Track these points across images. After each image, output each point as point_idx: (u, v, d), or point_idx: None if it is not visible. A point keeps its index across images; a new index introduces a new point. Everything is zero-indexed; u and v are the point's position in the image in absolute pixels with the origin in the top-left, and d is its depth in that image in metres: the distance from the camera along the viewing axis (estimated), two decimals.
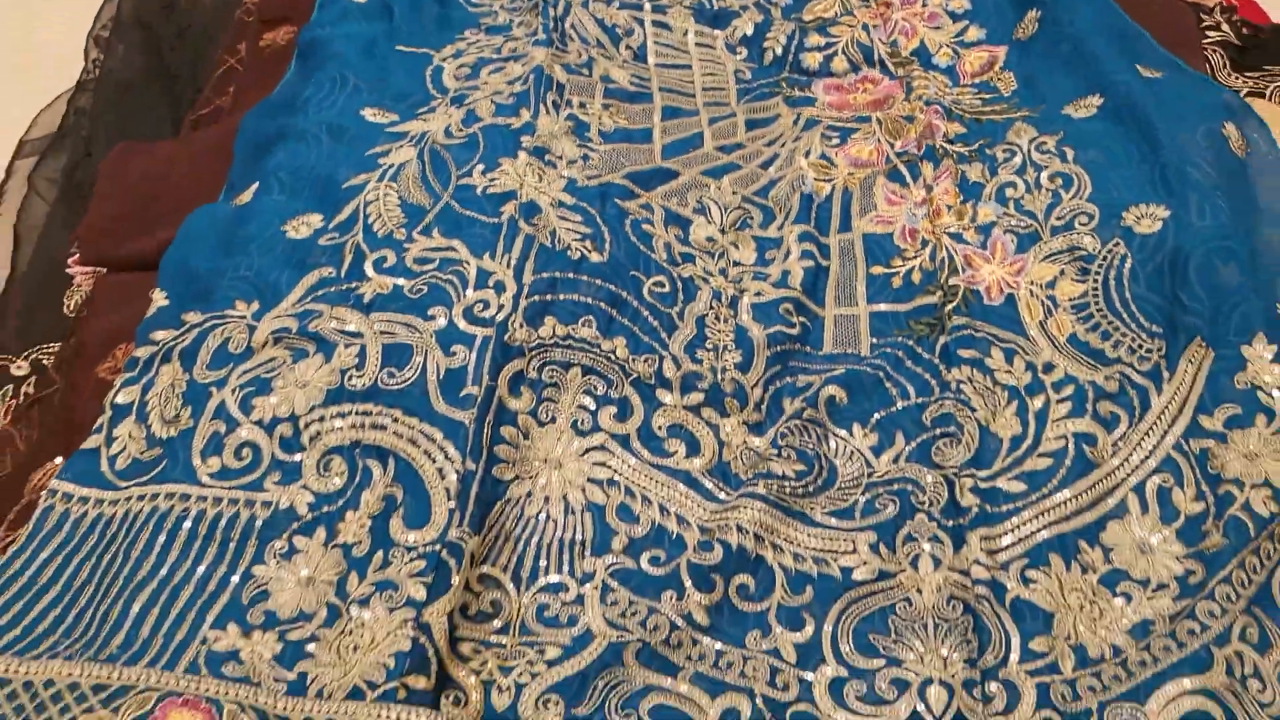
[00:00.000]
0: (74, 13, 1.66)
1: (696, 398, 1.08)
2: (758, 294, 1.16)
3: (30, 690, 0.87)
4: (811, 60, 1.47)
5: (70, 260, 1.28)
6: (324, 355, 1.06)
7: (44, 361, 1.19)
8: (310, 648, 0.91)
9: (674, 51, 1.49)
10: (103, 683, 0.87)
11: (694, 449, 1.05)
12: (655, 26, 1.50)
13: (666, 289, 1.15)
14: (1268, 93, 1.36)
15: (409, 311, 1.08)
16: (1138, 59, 1.32)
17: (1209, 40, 1.43)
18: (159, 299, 1.15)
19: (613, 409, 1.06)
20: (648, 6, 1.51)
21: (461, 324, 1.07)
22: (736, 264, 1.20)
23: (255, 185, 1.25)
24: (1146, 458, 1.00)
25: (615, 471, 1.02)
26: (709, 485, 1.03)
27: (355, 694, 0.87)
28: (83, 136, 1.47)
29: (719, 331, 1.13)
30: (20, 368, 1.18)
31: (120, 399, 1.07)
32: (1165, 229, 1.10)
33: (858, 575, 0.96)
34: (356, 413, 1.02)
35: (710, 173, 1.29)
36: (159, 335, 1.11)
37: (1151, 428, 1.01)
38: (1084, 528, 0.97)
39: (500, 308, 1.09)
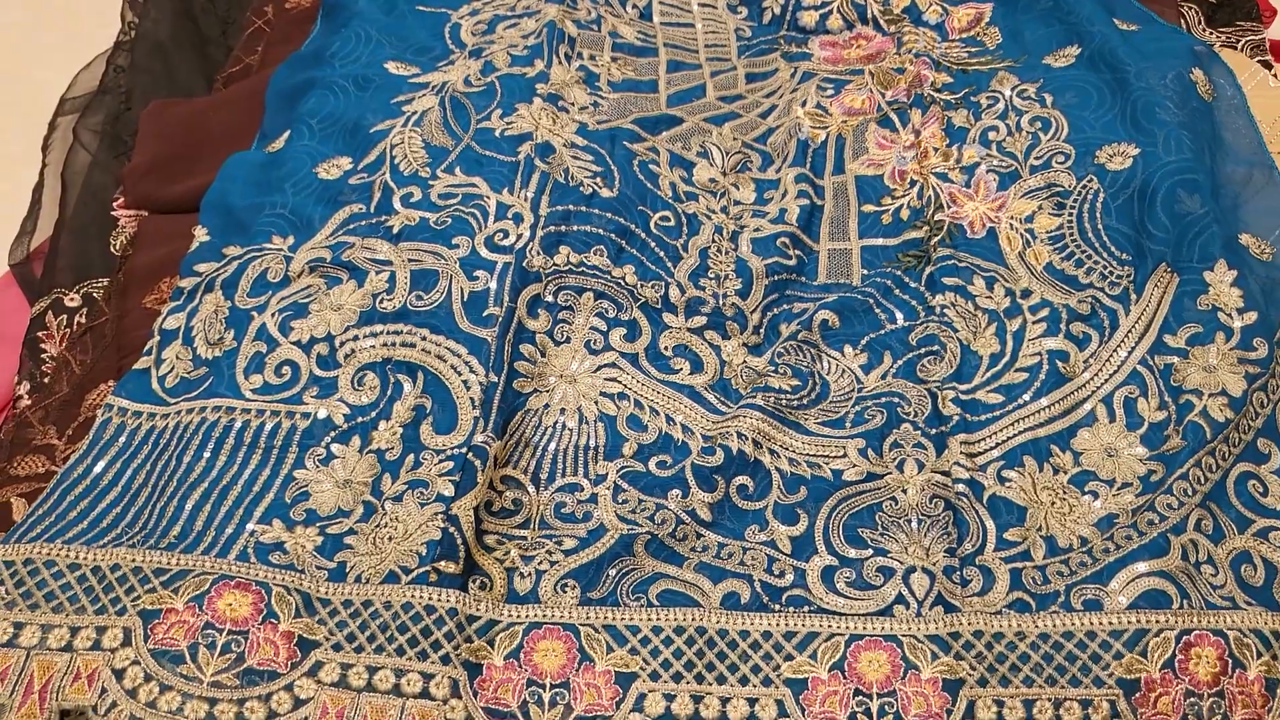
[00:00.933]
0: None
1: (699, 321, 1.17)
2: (757, 229, 1.25)
3: (98, 574, 0.96)
4: (808, 19, 1.55)
5: (115, 203, 1.37)
6: (356, 281, 1.15)
7: (94, 294, 1.28)
8: (349, 540, 1.00)
9: (678, 11, 1.57)
10: (163, 567, 0.97)
11: (697, 367, 1.14)
12: None
13: (672, 222, 1.24)
14: (1239, 45, 1.44)
15: (435, 241, 1.17)
16: (1115, 12, 1.41)
17: None
18: (201, 234, 1.24)
19: (622, 330, 1.15)
20: None
21: (483, 251, 1.16)
22: (737, 203, 1.29)
23: (287, 133, 1.34)
24: (1115, 372, 1.09)
25: (625, 386, 1.11)
26: (711, 399, 1.11)
27: (391, 578, 0.96)
28: (122, 91, 1.55)
29: (720, 262, 1.22)
30: (73, 300, 1.27)
31: (168, 324, 1.16)
32: (1135, 165, 1.19)
33: (848, 476, 1.05)
34: (388, 332, 1.11)
35: (712, 120, 1.38)
36: (202, 267, 1.20)
37: (1120, 345, 1.10)
38: (1056, 434, 1.06)
39: (519, 237, 1.18)
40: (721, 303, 1.18)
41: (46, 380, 1.22)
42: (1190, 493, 1.00)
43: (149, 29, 1.64)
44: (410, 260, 1.16)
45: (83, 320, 1.26)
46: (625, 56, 1.45)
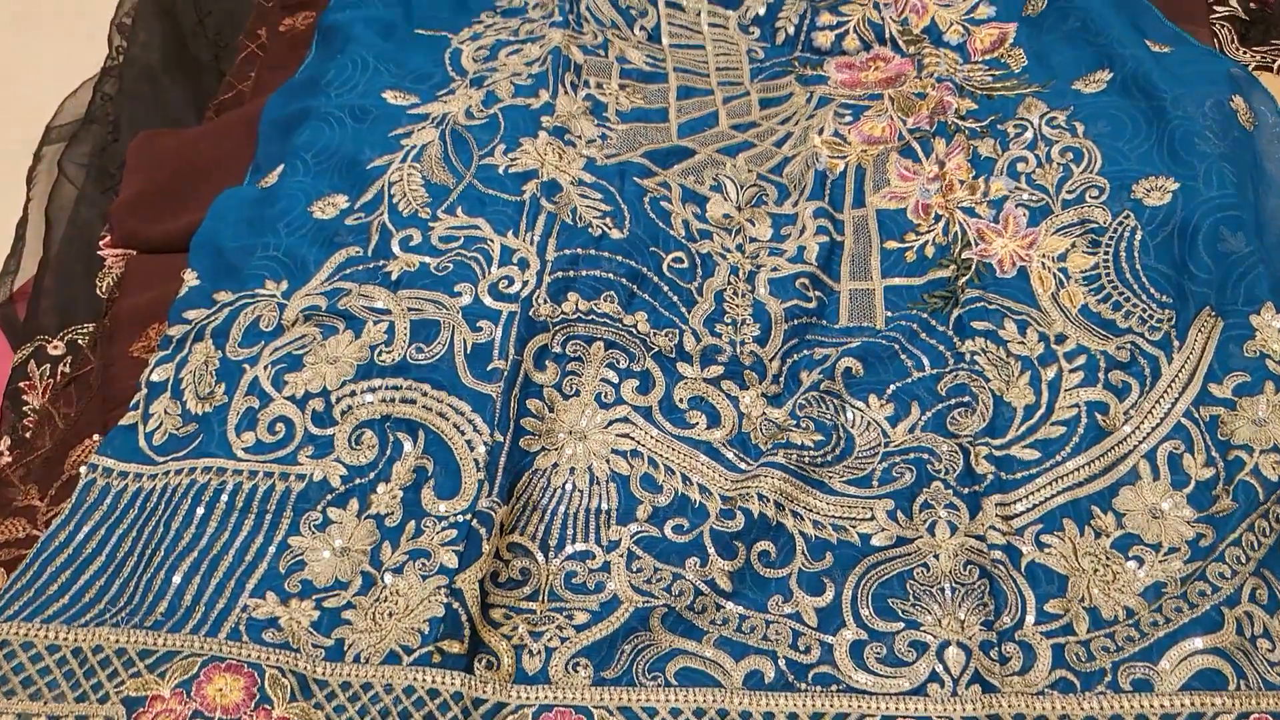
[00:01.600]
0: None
1: (716, 370, 1.10)
2: (774, 269, 1.19)
3: (80, 656, 0.90)
4: (823, 39, 1.49)
5: (102, 242, 1.31)
6: (353, 332, 1.09)
7: (79, 341, 1.22)
8: (347, 615, 0.94)
9: (687, 32, 1.50)
10: (149, 648, 0.91)
11: (714, 420, 1.07)
12: (669, 7, 1.52)
13: (685, 264, 1.17)
14: (1275, 66, 1.37)
15: (436, 288, 1.11)
16: (1146, 33, 1.34)
17: (1217, 15, 1.44)
18: (190, 278, 1.18)
19: (635, 382, 1.09)
20: None
21: (487, 300, 1.10)
22: (753, 240, 1.23)
23: (281, 167, 1.27)
24: (1157, 425, 1.03)
25: (638, 443, 1.05)
26: (730, 455, 1.05)
27: (391, 658, 0.90)
28: (109, 121, 1.49)
29: (737, 306, 1.15)
30: (56, 348, 1.21)
31: (155, 376, 1.10)
32: (1174, 200, 1.12)
33: (876, 541, 0.99)
34: (386, 387, 1.05)
35: (726, 150, 1.31)
36: (191, 314, 1.14)
37: (1162, 396, 1.04)
38: (1097, 494, 1.00)
39: (524, 284, 1.11)
40: (739, 351, 1.11)
41: (28, 435, 1.16)
42: (1243, 560, 0.94)
43: (137, 54, 1.57)
44: (410, 310, 1.09)
45: (67, 370, 1.20)
46: (634, 83, 1.39)
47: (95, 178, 1.43)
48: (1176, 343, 1.06)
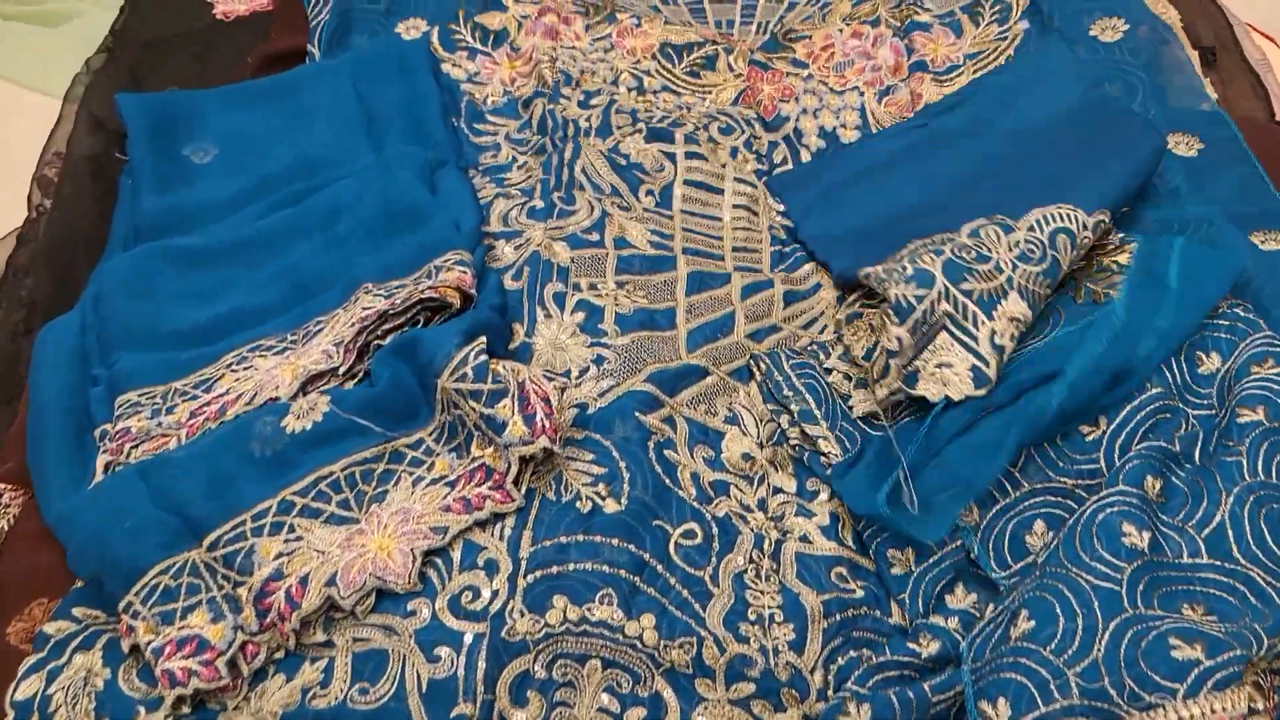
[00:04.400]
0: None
1: (746, 689, 0.87)
2: (804, 539, 0.96)
3: None
4: None
5: None
6: (285, 674, 0.85)
7: None
8: None
9: (701, 201, 1.28)
10: None
11: None
12: (690, 159, 1.31)
13: (699, 539, 0.94)
14: None
15: (385, 610, 0.88)
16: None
17: None
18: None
19: (642, 711, 0.86)
20: (680, 137, 1.32)
21: (447, 619, 0.87)
22: (777, 490, 1.00)
23: None
24: None
25: None
26: None
27: None
28: (21, 305, 1.27)
29: (763, 594, 0.92)
30: None
31: (20, 694, 0.86)
32: None
33: None
34: None
35: (739, 375, 1.09)
36: (83, 613, 0.91)
37: None
38: None
39: (494, 594, 0.88)
40: (772, 662, 0.88)
41: None
42: None
43: (60, 217, 1.35)
44: (355, 640, 0.86)
45: None
46: (634, 277, 1.15)
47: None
48: None
